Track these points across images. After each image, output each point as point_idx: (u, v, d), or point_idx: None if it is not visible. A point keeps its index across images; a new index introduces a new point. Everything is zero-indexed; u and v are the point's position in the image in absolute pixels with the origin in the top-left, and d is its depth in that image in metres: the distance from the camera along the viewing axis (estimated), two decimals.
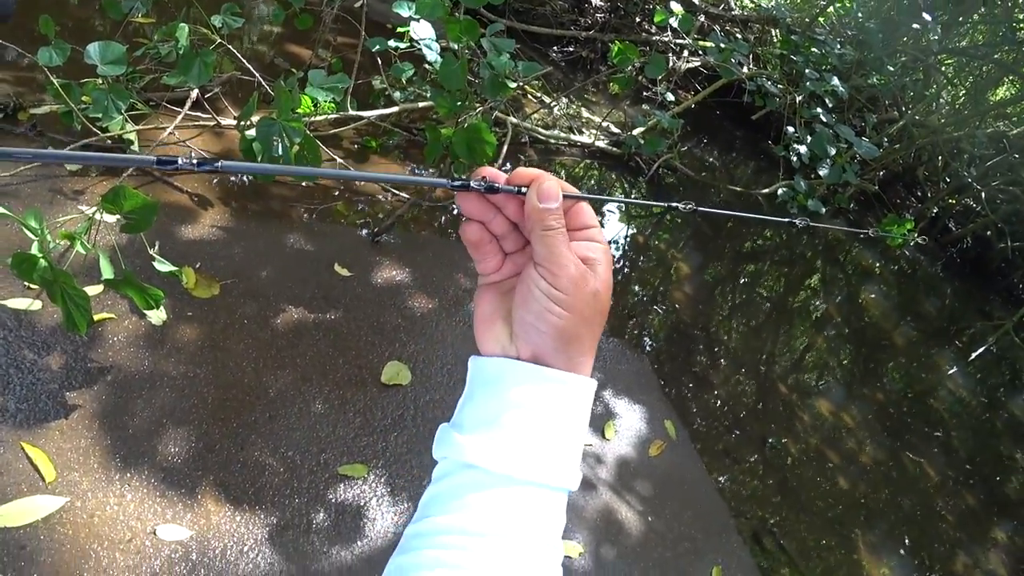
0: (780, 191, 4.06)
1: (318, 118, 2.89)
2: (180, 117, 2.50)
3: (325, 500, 1.75)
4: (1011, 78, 7.06)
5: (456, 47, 2.54)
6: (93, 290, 1.78)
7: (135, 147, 2.40)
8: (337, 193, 2.87)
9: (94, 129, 2.29)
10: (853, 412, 3.59)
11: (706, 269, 4.16)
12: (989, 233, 7.32)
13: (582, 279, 0.48)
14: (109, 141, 2.39)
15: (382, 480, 1.86)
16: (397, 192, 2.98)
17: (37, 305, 1.76)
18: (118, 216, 1.47)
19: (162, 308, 1.89)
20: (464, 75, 2.32)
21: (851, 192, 6.12)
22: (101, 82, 2.10)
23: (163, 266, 1.65)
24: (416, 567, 0.45)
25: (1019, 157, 6.68)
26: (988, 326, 5.63)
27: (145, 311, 1.76)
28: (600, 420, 2.44)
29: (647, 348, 3.08)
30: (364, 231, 2.75)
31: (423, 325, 2.42)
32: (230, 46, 2.43)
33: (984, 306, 6.57)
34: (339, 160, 2.91)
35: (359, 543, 1.70)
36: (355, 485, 1.82)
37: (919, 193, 7.61)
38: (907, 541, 2.88)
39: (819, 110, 3.66)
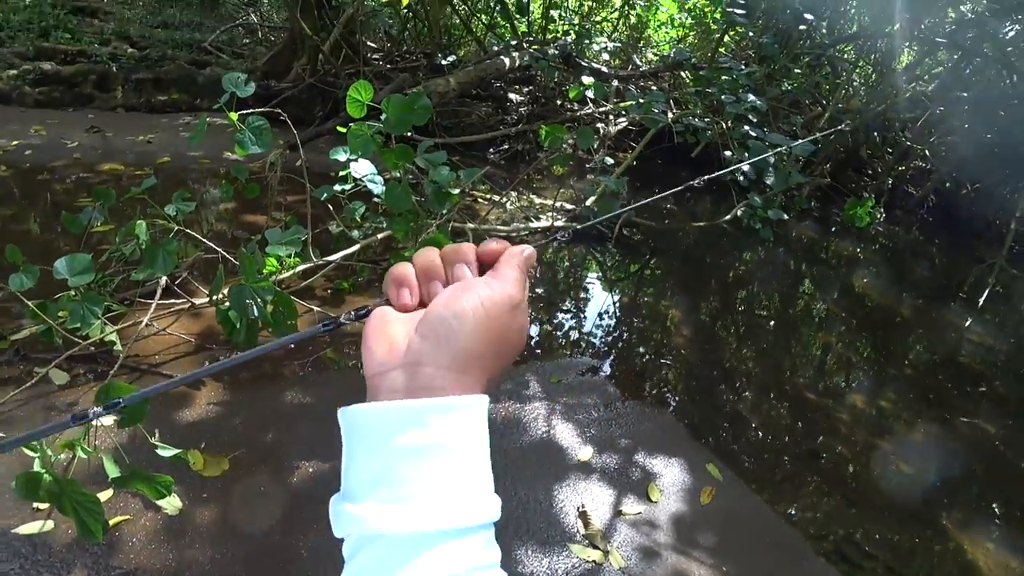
0: (739, 212, 4.17)
1: (286, 275, 2.97)
2: (152, 308, 2.57)
3: None
4: (908, 44, 7.47)
5: (397, 173, 2.66)
6: (103, 495, 1.76)
7: (118, 347, 2.44)
8: (325, 341, 2.90)
9: (75, 339, 2.34)
10: (890, 396, 3.53)
11: (698, 308, 4.18)
12: (948, 185, 7.54)
13: (521, 304, 0.49)
14: (92, 348, 2.43)
15: None
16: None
17: (49, 525, 1.73)
18: (113, 416, 1.48)
19: (175, 496, 1.86)
20: (409, 197, 2.43)
21: (807, 192, 6.30)
22: (74, 293, 2.17)
23: (166, 452, 1.65)
24: None
25: (943, 109, 6.97)
26: (982, 268, 5.65)
27: (158, 502, 1.73)
28: (641, 485, 2.37)
29: (667, 401, 3.04)
30: (359, 370, 2.76)
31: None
32: (189, 231, 2.54)
33: (972, 252, 6.62)
34: (317, 309, 2.97)
35: None
36: None
37: (869, 172, 7.86)
38: (996, 508, 2.77)
39: (747, 128, 3.83)
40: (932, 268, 6.37)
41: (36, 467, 1.38)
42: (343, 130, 2.53)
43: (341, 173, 3.08)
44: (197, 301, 2.73)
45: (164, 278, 2.70)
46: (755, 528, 2.30)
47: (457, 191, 2.50)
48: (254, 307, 2.00)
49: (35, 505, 1.78)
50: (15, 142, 4.81)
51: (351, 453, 0.45)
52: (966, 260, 6.51)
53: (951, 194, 7.70)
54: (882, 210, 7.15)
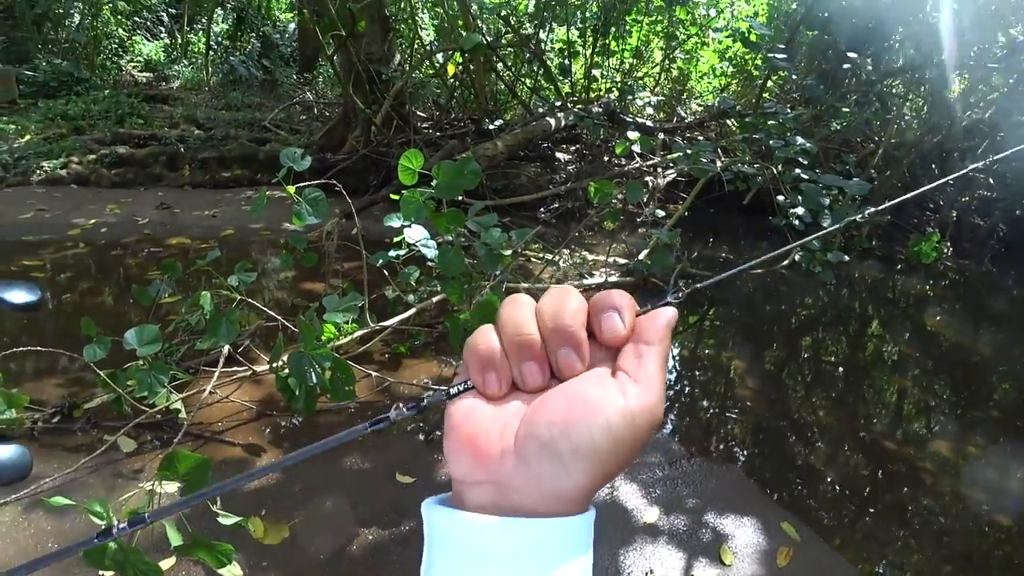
0: (797, 257, 4.05)
1: (344, 340, 3.02)
2: (216, 376, 2.64)
3: None
4: (959, 73, 7.27)
5: (450, 237, 2.71)
6: (166, 563, 1.77)
7: (183, 415, 2.51)
8: (381, 405, 2.91)
9: (142, 407, 2.42)
10: (977, 440, 3.28)
11: (762, 358, 4.03)
12: (1018, 212, 7.16)
13: (660, 411, 0.37)
14: (158, 416, 2.51)
15: None
16: (436, 387, 3.02)
17: None
18: (176, 483, 1.51)
19: (235, 564, 1.85)
20: (461, 259, 2.46)
21: (867, 231, 6.09)
22: (142, 363, 2.25)
23: (227, 519, 1.65)
24: None
25: (1003, 135, 6.70)
26: None
27: (219, 571, 1.73)
28: (712, 547, 2.24)
29: (735, 456, 2.90)
30: (417, 435, 2.75)
31: None
32: (250, 300, 2.62)
33: None
34: (374, 374, 3.00)
35: None
36: None
37: (931, 206, 7.55)
38: None
39: (798, 171, 3.76)
40: (1010, 301, 6.00)
41: None
42: (396, 197, 2.61)
43: (395, 239, 3.16)
44: (258, 369, 2.80)
45: (227, 347, 2.78)
46: None
47: (509, 252, 2.51)
48: (312, 374, 2.03)
49: (100, 573, 1.81)
50: (92, 221, 5.15)
51: (430, 557, 0.39)
52: None
53: (1020, 221, 7.31)
54: (949, 244, 6.84)
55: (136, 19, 10.98)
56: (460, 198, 2.52)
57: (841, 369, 4.16)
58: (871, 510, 2.61)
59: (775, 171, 3.97)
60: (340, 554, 2.06)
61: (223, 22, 11.55)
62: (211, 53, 10.33)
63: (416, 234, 2.74)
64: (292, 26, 11.67)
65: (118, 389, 2.37)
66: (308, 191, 2.31)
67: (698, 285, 0.45)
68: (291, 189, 2.34)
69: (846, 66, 5.45)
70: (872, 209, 0.67)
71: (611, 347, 0.39)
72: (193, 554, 1.53)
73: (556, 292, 0.40)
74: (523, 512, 0.36)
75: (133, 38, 10.76)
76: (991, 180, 7.25)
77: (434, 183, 2.39)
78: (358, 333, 2.88)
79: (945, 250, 6.63)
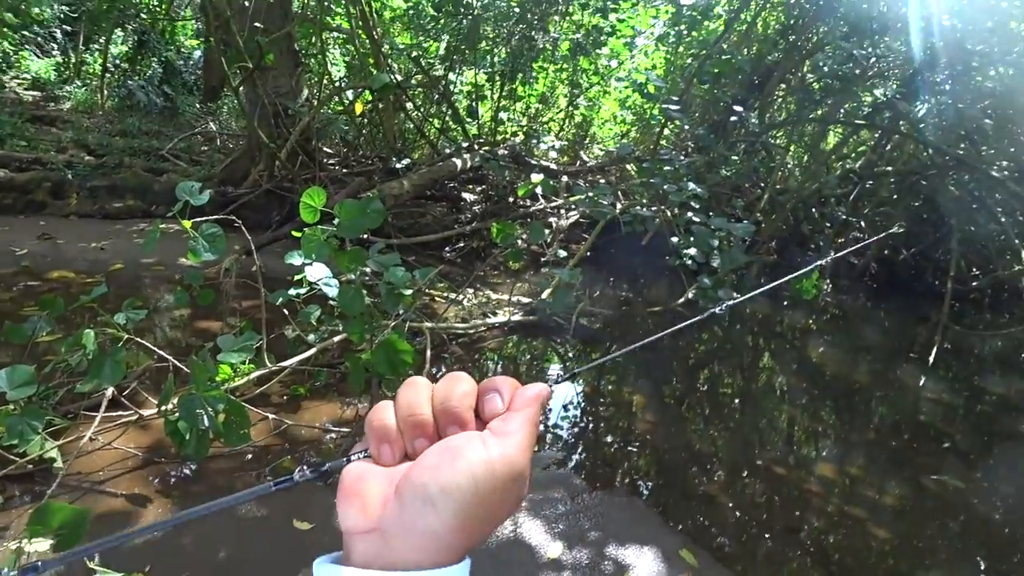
0: (690, 294, 4.30)
1: (240, 382, 2.91)
2: (97, 421, 2.47)
3: None
4: (832, 128, 8.08)
5: (352, 276, 2.69)
6: None
7: (58, 463, 2.32)
8: (279, 448, 2.81)
9: (12, 457, 2.22)
10: (859, 462, 3.56)
11: (662, 392, 4.21)
12: (886, 252, 8.02)
13: (524, 472, 0.42)
14: (30, 466, 2.31)
15: None
16: (335, 429, 2.96)
17: None
18: (49, 539, 1.41)
19: None
20: (362, 298, 2.45)
21: (756, 270, 6.55)
22: (12, 408, 2.08)
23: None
24: None
25: (871, 183, 7.49)
26: (928, 328, 5.91)
27: None
28: None
29: (636, 488, 3.00)
30: (315, 479, 2.66)
31: None
32: (140, 339, 2.49)
33: (917, 313, 6.97)
34: (272, 416, 2.90)
35: None
36: None
37: (812, 247, 8.26)
38: (977, 561, 2.81)
39: (690, 214, 4.03)
40: (883, 332, 6.61)
41: None
42: (299, 235, 2.58)
43: (296, 277, 3.10)
44: (146, 412, 2.64)
45: (111, 389, 2.62)
46: None
47: (410, 291, 2.53)
48: (204, 417, 1.95)
49: None
50: None
51: None
52: (913, 321, 6.81)
53: (890, 261, 8.16)
54: (828, 282, 7.48)
55: (24, 33, 10.29)
56: (365, 236, 2.53)
57: (735, 400, 4.41)
58: (764, 533, 2.77)
59: (669, 214, 4.22)
60: None
61: (122, 44, 11.03)
62: (107, 75, 9.82)
63: (317, 272, 2.71)
64: (198, 53, 11.31)
65: None
66: (205, 226, 2.25)
67: (587, 367, 0.53)
68: (187, 224, 2.27)
69: (733, 118, 5.92)
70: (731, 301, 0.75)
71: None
72: None
73: (449, 378, 0.45)
74: (405, 565, 0.39)
75: (20, 53, 10.07)
76: (863, 223, 8.02)
77: (336, 221, 2.39)
78: (255, 374, 2.79)
79: (825, 287, 7.25)
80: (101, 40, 10.67)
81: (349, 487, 0.43)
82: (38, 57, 10.48)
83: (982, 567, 2.77)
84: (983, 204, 6.45)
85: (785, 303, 6.72)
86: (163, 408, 2.21)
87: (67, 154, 6.80)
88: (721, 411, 4.16)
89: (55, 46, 10.96)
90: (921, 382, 5.02)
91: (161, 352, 2.66)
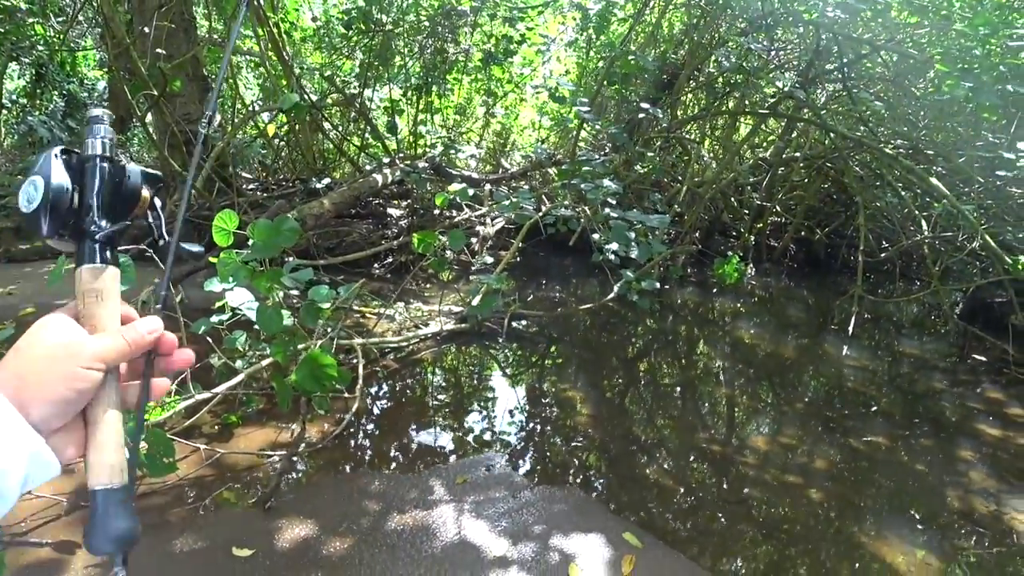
0: (616, 288, 4.42)
1: (167, 415, 2.83)
2: None
3: None
4: (741, 120, 8.47)
5: (275, 297, 2.66)
6: None
7: None
8: (210, 479, 2.74)
9: None
10: (793, 432, 3.74)
11: (600, 386, 4.29)
12: (803, 233, 8.50)
13: (75, 348, 0.57)
14: None
15: None
16: (270, 453, 2.90)
17: None
18: None
19: None
20: (280, 316, 2.43)
21: (681, 260, 6.78)
22: None
23: None
24: None
25: (782, 169, 7.90)
26: (845, 300, 6.29)
27: None
28: (560, 568, 2.34)
29: (577, 480, 3.05)
30: (252, 502, 2.61)
31: (347, 569, 2.28)
32: None
33: (836, 288, 7.44)
34: (203, 447, 2.82)
35: None
36: None
37: (734, 234, 8.63)
38: (911, 513, 3.00)
39: (608, 210, 4.14)
40: (806, 309, 6.97)
41: None
42: (215, 260, 2.53)
43: (218, 304, 3.04)
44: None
45: None
46: None
47: (327, 305, 2.52)
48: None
49: None
50: None
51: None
52: (832, 296, 7.22)
53: (807, 241, 8.64)
54: (751, 265, 7.83)
55: None
56: (291, 259, 2.51)
57: (672, 387, 4.55)
58: (706, 509, 2.87)
59: (588, 212, 4.33)
60: None
61: (19, 78, 10.46)
62: (4, 112, 9.30)
63: (238, 297, 2.66)
64: (102, 84, 10.84)
65: None
66: None
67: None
68: None
69: (643, 116, 6.13)
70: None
71: None
72: None
73: None
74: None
75: None
76: (777, 208, 8.44)
77: (251, 242, 2.36)
78: (181, 405, 2.71)
79: (748, 271, 7.58)
80: None
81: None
82: None
83: (917, 517, 2.96)
84: (884, 181, 6.89)
85: (714, 290, 6.99)
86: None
87: None
88: (660, 399, 4.28)
89: None
90: (844, 351, 5.33)
91: None
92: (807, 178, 8.42)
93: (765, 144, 9.05)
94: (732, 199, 8.12)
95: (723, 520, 2.79)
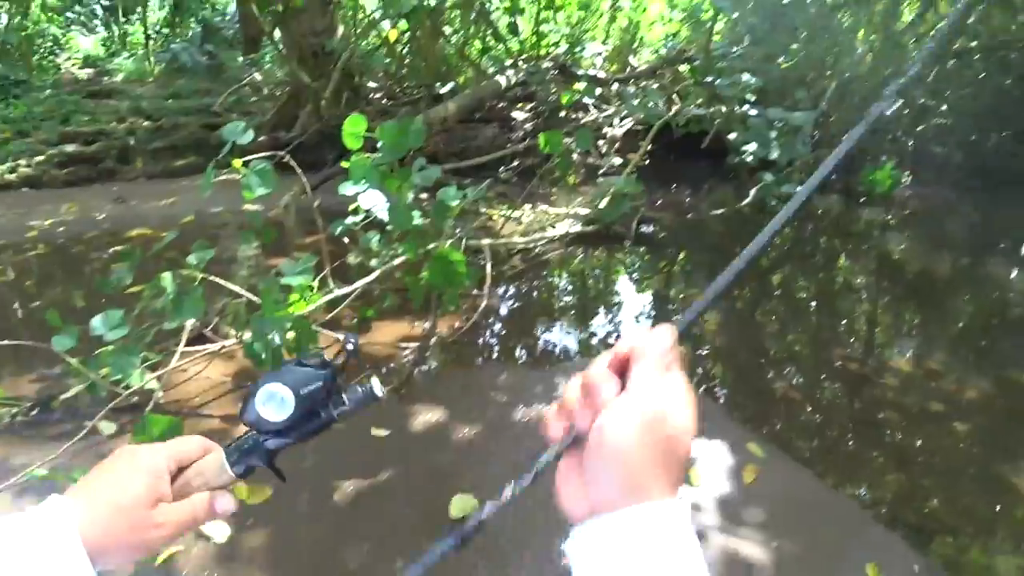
0: (752, 193, 4.14)
1: (310, 308, 3.05)
2: (183, 355, 2.66)
3: None
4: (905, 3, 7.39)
5: (405, 197, 2.73)
6: None
7: (160, 394, 2.54)
8: (355, 365, 2.95)
9: (117, 391, 2.44)
10: (940, 358, 3.43)
11: (732, 295, 4.11)
12: (974, 138, 7.38)
13: (666, 399, 0.48)
14: (135, 397, 2.53)
15: None
16: (404, 346, 3.07)
17: None
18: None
19: (223, 524, 1.91)
20: (410, 214, 2.49)
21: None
22: (112, 348, 2.27)
23: None
24: None
25: (953, 62, 6.86)
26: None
27: (204, 530, 1.79)
28: None
29: (700, 385, 3.00)
30: (389, 391, 2.81)
31: (473, 452, 2.41)
32: (214, 278, 2.63)
33: (1011, 203, 6.40)
34: (342, 338, 3.04)
35: None
36: None
37: (890, 137, 7.69)
38: None
39: (746, 107, 3.82)
40: (969, 225, 6.19)
41: None
42: (347, 165, 2.62)
43: (351, 207, 3.17)
44: (228, 343, 2.82)
45: (194, 323, 2.80)
46: (804, 502, 2.24)
47: (455, 202, 2.55)
48: (275, 336, 2.07)
49: None
50: (48, 221, 5.08)
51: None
52: (1004, 212, 6.32)
53: (978, 147, 7.50)
54: (908, 173, 6.99)
55: (69, 15, 10.61)
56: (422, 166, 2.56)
57: (807, 301, 4.29)
58: (836, 428, 2.74)
59: (723, 111, 4.02)
60: (322, 507, 2.13)
61: (159, 10, 11.19)
62: (151, 43, 10.03)
63: (370, 199, 2.76)
64: (232, 8, 11.35)
65: (91, 375, 2.40)
66: (254, 163, 2.32)
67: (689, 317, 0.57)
68: (237, 163, 2.34)
69: (785, 1, 5.49)
70: None
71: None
72: None
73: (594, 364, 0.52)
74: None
75: (68, 35, 10.41)
76: (946, 107, 7.40)
77: (379, 145, 2.41)
78: (322, 300, 2.89)
79: (903, 179, 6.79)
80: (139, 10, 10.85)
81: (559, 481, 0.51)
82: (85, 35, 10.79)
83: None
84: None
85: (860, 200, 6.36)
86: (240, 335, 2.35)
87: (127, 122, 7.09)
88: (794, 312, 4.05)
89: (98, 22, 11.23)
90: (1014, 274, 4.71)
91: (233, 287, 2.81)
92: (983, 72, 7.25)
93: (932, 33, 7.85)
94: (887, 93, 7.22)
95: (852, 441, 2.65)
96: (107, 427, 2.48)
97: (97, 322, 2.20)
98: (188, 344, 2.78)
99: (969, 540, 2.15)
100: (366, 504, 2.15)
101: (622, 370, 0.50)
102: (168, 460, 0.59)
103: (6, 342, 2.41)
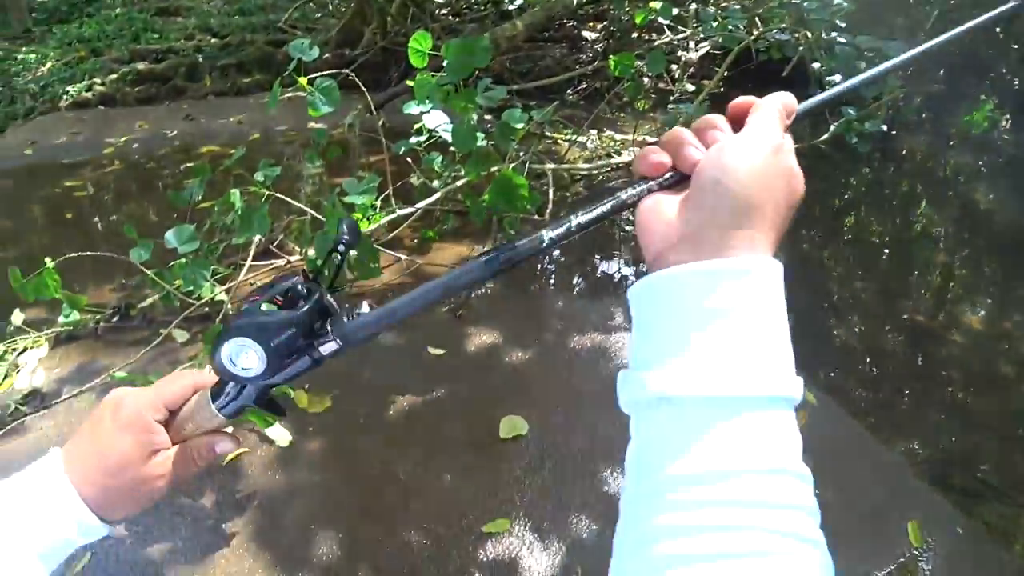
0: (832, 128, 3.89)
1: (372, 227, 3.09)
2: (247, 268, 2.79)
3: (478, 561, 1.77)
4: None
5: (469, 118, 2.68)
6: None
7: (228, 305, 2.67)
8: (411, 287, 3.01)
9: (190, 301, 2.59)
10: (1016, 318, 3.24)
11: (798, 236, 3.94)
12: None
13: (783, 146, 0.47)
14: (206, 308, 2.68)
15: (526, 528, 1.86)
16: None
17: None
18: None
19: (285, 430, 2.04)
20: (474, 135, 2.45)
21: (916, 103, 5.75)
22: (184, 261, 2.38)
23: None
24: (655, 537, 0.38)
25: None
26: None
27: (268, 433, 1.91)
28: None
29: None
30: (445, 311, 2.86)
31: (525, 376, 2.46)
32: (280, 195, 2.70)
33: None
34: (404, 258, 3.10)
35: None
36: (502, 539, 1.83)
37: (991, 75, 7.03)
38: None
39: (834, 34, 3.53)
40: None
41: None
42: (412, 83, 2.58)
43: (416, 127, 3.14)
44: (292, 258, 2.92)
45: (260, 239, 2.90)
46: (850, 452, 2.21)
47: (520, 125, 2.50)
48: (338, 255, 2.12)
49: None
50: (123, 138, 5.28)
51: (638, 324, 0.46)
52: None
53: None
54: (1008, 116, 6.42)
55: None
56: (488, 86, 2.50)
57: (879, 247, 4.07)
58: (894, 381, 2.66)
59: (810, 36, 3.73)
60: (378, 417, 2.24)
61: None
62: None
63: (435, 119, 2.73)
64: None
65: (166, 285, 2.54)
66: (319, 80, 2.31)
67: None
68: (302, 80, 2.34)
69: None
70: None
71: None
72: (244, 418, 1.70)
73: (702, 117, 0.51)
74: (721, 254, 0.43)
75: None
76: None
77: (445, 63, 2.35)
78: (385, 219, 2.94)
79: (1003, 122, 6.23)
80: None
81: (646, 214, 0.48)
82: None
83: None
84: None
85: (951, 142, 5.90)
86: (304, 251, 2.42)
87: (195, 40, 7.16)
88: (863, 257, 3.86)
89: None
90: None
91: (299, 205, 2.88)
92: None
93: None
94: (998, 30, 6.55)
95: (909, 397, 2.57)
96: (180, 335, 2.64)
97: (170, 236, 2.30)
98: (254, 259, 2.90)
99: (1018, 509, 2.09)
100: (418, 418, 2.24)
101: (737, 125, 0.50)
102: (153, 410, 0.57)
103: (89, 253, 2.56)
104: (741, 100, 0.51)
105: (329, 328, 0.53)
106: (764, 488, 0.37)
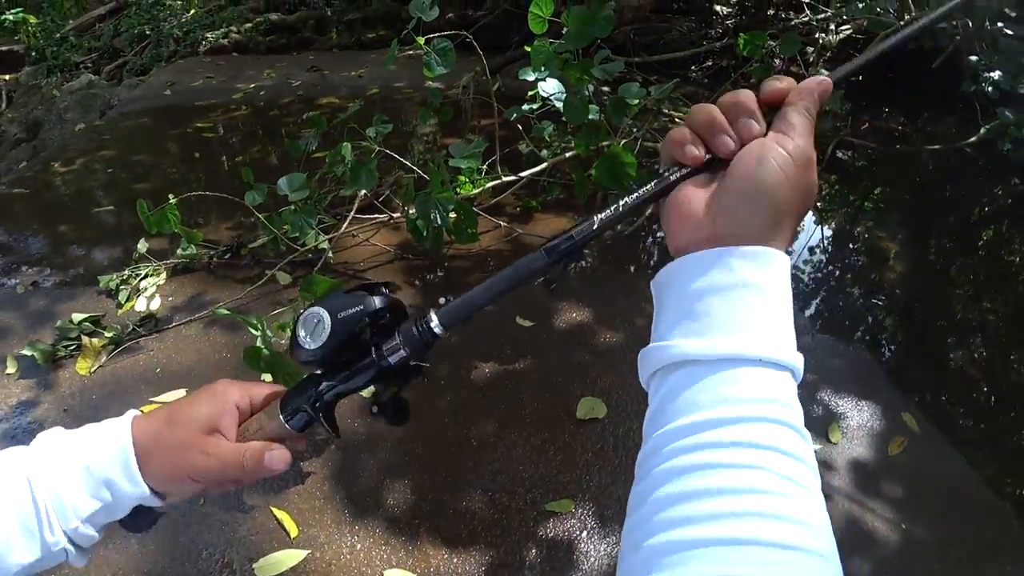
0: (983, 130, 3.51)
1: (477, 191, 3.11)
2: (350, 221, 2.89)
3: (536, 537, 1.78)
4: None
5: (585, 89, 2.62)
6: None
7: (330, 254, 2.79)
8: (508, 254, 3.03)
9: (295, 246, 2.72)
10: None
11: (926, 247, 3.63)
12: None
13: (813, 158, 0.48)
14: (309, 254, 2.81)
15: (589, 513, 1.85)
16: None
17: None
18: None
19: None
20: (586, 107, 2.39)
21: None
22: (293, 207, 2.51)
23: None
24: (657, 484, 0.42)
25: None
26: None
27: None
28: (821, 423, 2.20)
29: (866, 339, 2.74)
30: (539, 284, 2.85)
31: (611, 358, 2.42)
32: (389, 152, 2.77)
33: None
34: (504, 225, 3.11)
35: None
36: (563, 520, 1.83)
37: None
38: None
39: (1000, 24, 3.15)
40: None
41: (258, 343, 1.68)
42: (530, 49, 2.55)
43: (530, 93, 3.11)
44: (396, 215, 3.00)
45: (367, 193, 2.99)
46: (949, 488, 2.03)
47: (636, 100, 2.41)
48: (437, 216, 2.15)
49: (262, 377, 2.15)
50: (252, 85, 5.58)
51: (659, 306, 0.50)
52: None
53: None
54: None
55: None
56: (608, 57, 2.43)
57: (1017, 269, 3.67)
58: (1008, 418, 2.41)
59: (970, 25, 3.35)
60: (459, 381, 2.29)
61: None
62: None
63: (550, 87, 2.68)
64: None
65: (274, 229, 2.68)
66: (437, 41, 2.32)
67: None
68: (420, 40, 2.36)
69: None
70: None
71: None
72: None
73: (730, 93, 0.51)
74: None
75: None
76: None
77: (564, 31, 2.30)
78: (490, 184, 2.95)
79: None
80: None
81: (674, 208, 0.50)
82: None
83: None
84: None
85: None
86: (406, 209, 2.48)
87: None
88: (996, 277, 3.49)
89: None
90: None
91: (406, 163, 2.94)
92: None
93: None
94: None
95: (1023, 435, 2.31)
96: (283, 278, 2.79)
97: (283, 182, 2.42)
98: (359, 212, 3.00)
99: None
100: (499, 387, 2.27)
101: (768, 107, 0.50)
102: (242, 397, 0.59)
103: (211, 193, 2.74)
104: (777, 85, 0.51)
105: (399, 335, 0.56)
106: (763, 433, 0.40)
